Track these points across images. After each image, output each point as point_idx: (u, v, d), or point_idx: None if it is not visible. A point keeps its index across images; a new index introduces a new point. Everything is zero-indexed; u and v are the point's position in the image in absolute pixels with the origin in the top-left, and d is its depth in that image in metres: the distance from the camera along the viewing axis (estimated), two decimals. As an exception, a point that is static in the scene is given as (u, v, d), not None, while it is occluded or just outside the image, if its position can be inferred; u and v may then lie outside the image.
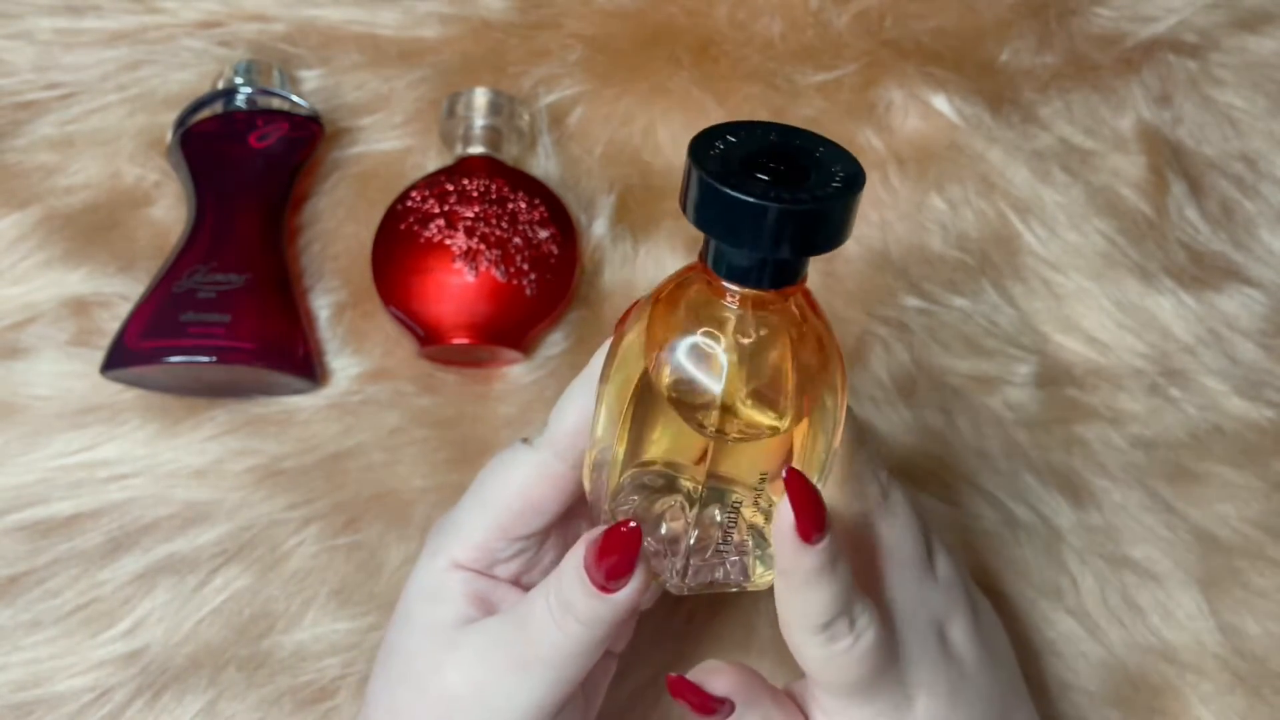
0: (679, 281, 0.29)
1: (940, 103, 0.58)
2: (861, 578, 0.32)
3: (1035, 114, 0.59)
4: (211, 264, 0.48)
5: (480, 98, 0.53)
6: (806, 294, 0.29)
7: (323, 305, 0.51)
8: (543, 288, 0.49)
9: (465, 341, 0.48)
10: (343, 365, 0.49)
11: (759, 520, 0.31)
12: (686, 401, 0.28)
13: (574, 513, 0.35)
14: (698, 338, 0.28)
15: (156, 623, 0.43)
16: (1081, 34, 0.62)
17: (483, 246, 0.49)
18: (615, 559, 0.30)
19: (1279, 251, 0.56)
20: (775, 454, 0.29)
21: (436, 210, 0.49)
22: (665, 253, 0.53)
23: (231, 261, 0.48)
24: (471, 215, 0.49)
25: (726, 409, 0.28)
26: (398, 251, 0.49)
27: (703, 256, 0.28)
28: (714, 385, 0.28)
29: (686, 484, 0.30)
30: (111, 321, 0.49)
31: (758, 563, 0.32)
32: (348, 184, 0.54)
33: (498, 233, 0.49)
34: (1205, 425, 0.50)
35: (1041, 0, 0.62)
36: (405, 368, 0.49)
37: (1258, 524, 0.48)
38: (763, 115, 0.57)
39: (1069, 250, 0.55)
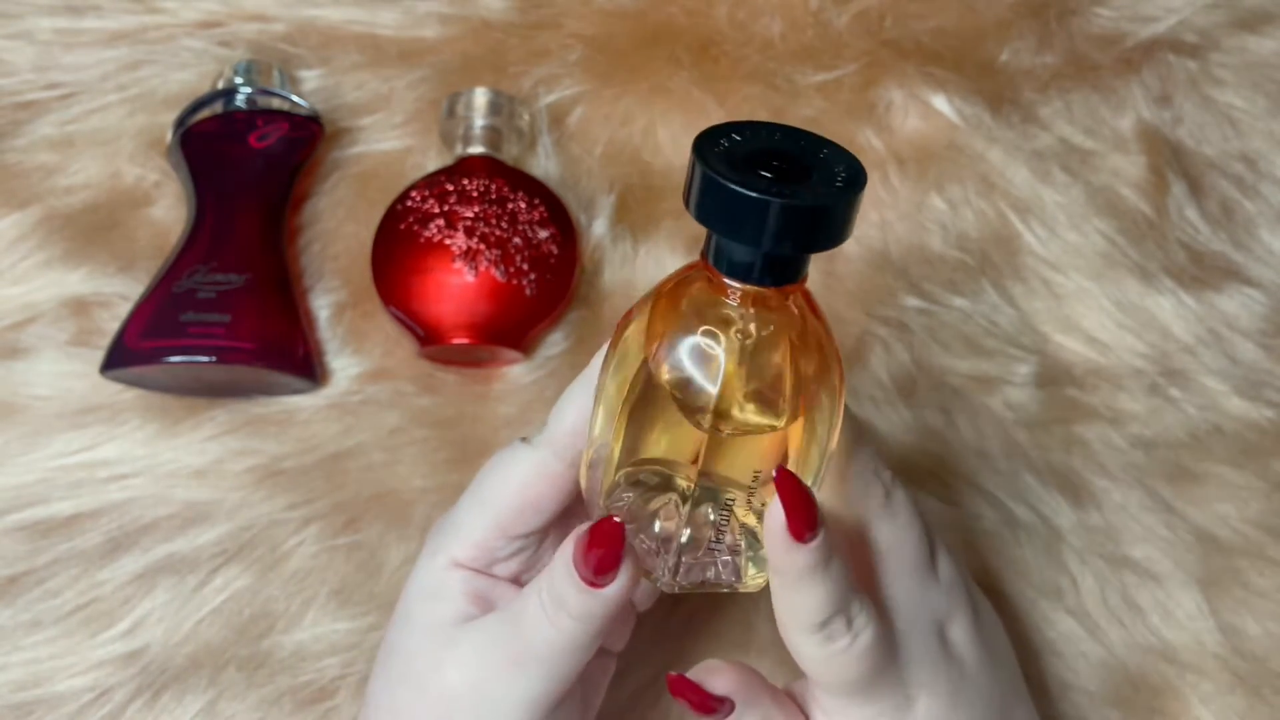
0: (680, 279, 0.29)
1: (940, 103, 0.58)
2: (863, 578, 0.32)
3: (1035, 114, 0.59)
4: (211, 264, 0.48)
5: (480, 98, 0.53)
6: (806, 294, 0.29)
7: (323, 305, 0.51)
8: (543, 288, 0.49)
9: (465, 341, 0.48)
10: (343, 365, 0.49)
11: (752, 521, 0.31)
12: (684, 396, 0.28)
13: (573, 512, 0.35)
14: (697, 333, 0.28)
15: (156, 623, 0.43)
16: (1081, 34, 0.62)
17: (483, 246, 0.49)
18: (601, 553, 0.30)
19: (1279, 251, 0.56)
20: (770, 454, 0.30)
21: (436, 210, 0.49)
22: (665, 253, 0.53)
23: (231, 261, 0.48)
24: (471, 215, 0.49)
25: (723, 405, 0.28)
26: (398, 251, 0.49)
27: (704, 253, 0.28)
28: (711, 381, 0.28)
29: (682, 482, 0.30)
30: (111, 321, 0.49)
31: (750, 564, 0.32)
32: (348, 184, 0.54)
33: (498, 233, 0.49)
34: (1205, 425, 0.50)
35: (1041, 0, 0.62)
36: (405, 368, 0.49)
37: (1258, 524, 0.48)
38: (763, 115, 0.57)
39: (1069, 250, 0.55)
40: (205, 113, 0.52)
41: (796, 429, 0.29)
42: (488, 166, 0.51)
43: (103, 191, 0.52)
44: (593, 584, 0.30)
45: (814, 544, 0.29)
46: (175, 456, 0.46)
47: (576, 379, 0.33)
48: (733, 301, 0.28)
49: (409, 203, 0.50)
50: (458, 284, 0.48)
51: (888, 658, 0.32)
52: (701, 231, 0.28)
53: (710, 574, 0.32)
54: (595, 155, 0.56)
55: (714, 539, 0.31)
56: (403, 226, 0.49)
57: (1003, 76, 0.60)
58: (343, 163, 0.55)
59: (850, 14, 0.61)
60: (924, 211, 0.55)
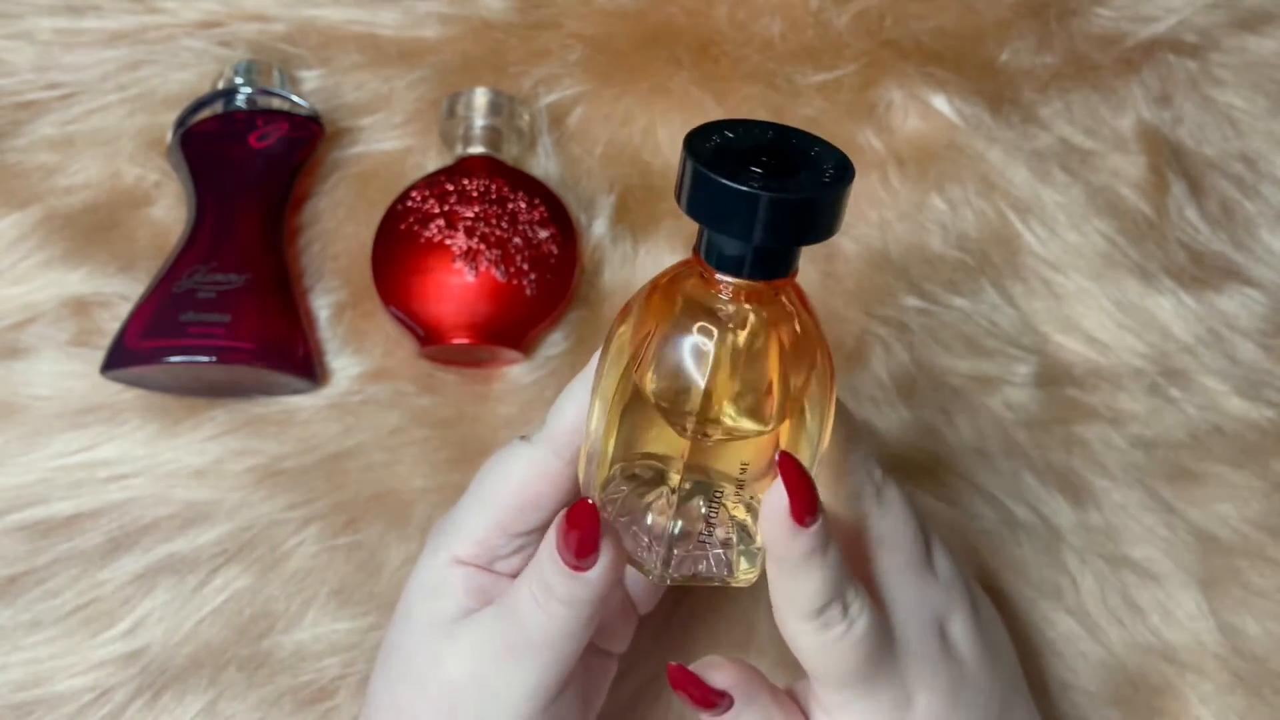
0: (673, 275, 0.30)
1: (940, 103, 0.58)
2: (859, 575, 0.32)
3: (1035, 114, 0.59)
4: (211, 264, 0.48)
5: (480, 98, 0.53)
6: (798, 289, 0.29)
7: (323, 305, 0.51)
8: (543, 288, 0.49)
9: (465, 341, 0.48)
10: (343, 365, 0.49)
11: (744, 516, 0.31)
12: (671, 394, 0.29)
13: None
14: (688, 329, 0.28)
15: (156, 623, 0.43)
16: (1081, 34, 0.62)
17: (483, 246, 0.49)
18: (579, 535, 0.30)
19: (1279, 251, 0.56)
20: (758, 447, 0.30)
21: (436, 210, 0.49)
22: (665, 253, 0.53)
23: (231, 261, 0.48)
24: (471, 215, 0.49)
25: (710, 404, 0.29)
26: (398, 251, 0.49)
27: (696, 249, 0.28)
28: (699, 378, 0.28)
29: (673, 476, 0.30)
30: (111, 321, 0.49)
31: (741, 558, 0.32)
32: (348, 184, 0.54)
33: (498, 233, 0.49)
34: (1205, 425, 0.50)
35: (1041, 0, 0.62)
36: (405, 368, 0.49)
37: (1258, 524, 0.48)
38: (762, 115, 0.57)
39: (1069, 250, 0.55)
40: (205, 113, 0.52)
41: (786, 423, 0.29)
42: (488, 166, 0.51)
43: (103, 191, 0.52)
44: (576, 568, 0.31)
45: (814, 528, 0.29)
46: (175, 456, 0.46)
47: (576, 377, 0.34)
48: (724, 296, 0.28)
49: (409, 203, 0.50)
50: (458, 284, 0.48)
51: (884, 649, 0.32)
52: (700, 231, 0.28)
53: (702, 567, 0.32)
54: (595, 155, 0.56)
55: (705, 532, 0.31)
56: (403, 226, 0.49)
57: (1003, 76, 0.60)
58: (343, 163, 0.55)
59: (850, 14, 0.61)
60: (924, 211, 0.55)
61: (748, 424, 0.29)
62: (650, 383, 0.29)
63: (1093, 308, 0.53)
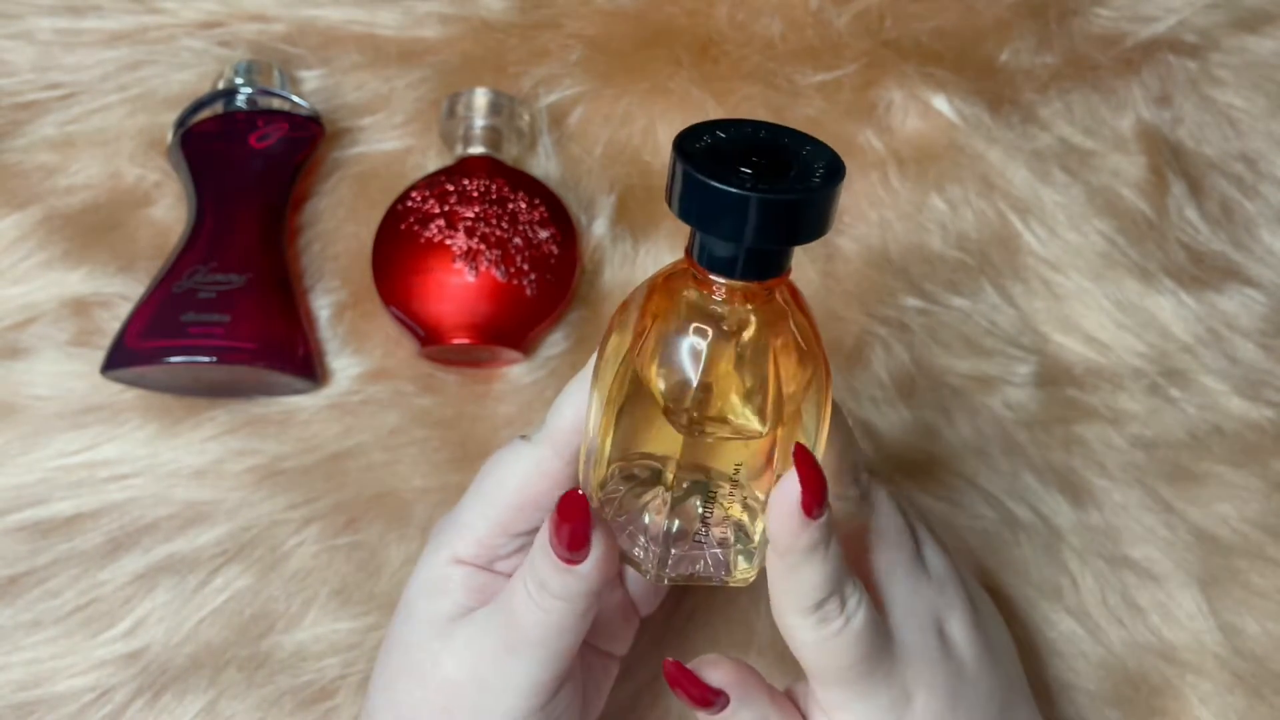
0: (667, 275, 0.30)
1: (940, 103, 0.58)
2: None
3: (1035, 114, 0.59)
4: (211, 264, 0.48)
5: (480, 98, 0.53)
6: (792, 288, 0.29)
7: (323, 305, 0.51)
8: (543, 288, 0.49)
9: (465, 341, 0.48)
10: (343, 365, 0.49)
11: (742, 516, 0.31)
12: (668, 392, 0.29)
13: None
14: (682, 329, 0.28)
15: (157, 623, 0.43)
16: (1081, 34, 0.62)
17: (483, 246, 0.49)
18: (570, 527, 0.30)
19: (1279, 251, 0.56)
20: (754, 446, 0.30)
21: (436, 210, 0.49)
22: (665, 253, 0.53)
23: (231, 261, 0.48)
24: (472, 215, 0.49)
25: (706, 402, 0.29)
26: (398, 251, 0.49)
27: (689, 250, 0.28)
28: (695, 377, 0.28)
29: (668, 475, 0.30)
30: (111, 321, 0.49)
31: (739, 557, 0.32)
32: (348, 184, 0.54)
33: (498, 233, 0.49)
34: (1205, 425, 0.50)
35: (1041, 0, 0.62)
36: (405, 368, 0.49)
37: (1258, 524, 0.48)
38: (762, 115, 0.57)
39: (1069, 250, 0.55)
40: (205, 113, 0.52)
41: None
42: (488, 166, 0.51)
43: (103, 191, 0.52)
44: (569, 561, 0.31)
45: (820, 521, 0.29)
46: (175, 456, 0.46)
47: (576, 376, 0.34)
48: (718, 297, 0.28)
49: (409, 203, 0.50)
50: (458, 284, 0.48)
51: (881, 646, 0.32)
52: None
53: (699, 567, 0.32)
54: (595, 155, 0.56)
55: (701, 531, 0.31)
56: (403, 226, 0.49)
57: (1003, 76, 0.60)
58: (343, 163, 0.55)
59: (850, 14, 0.61)
60: (924, 211, 0.55)
61: (743, 422, 0.29)
62: (648, 381, 0.29)
63: (1093, 308, 0.53)
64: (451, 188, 0.50)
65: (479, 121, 0.53)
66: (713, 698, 0.32)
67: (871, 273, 0.53)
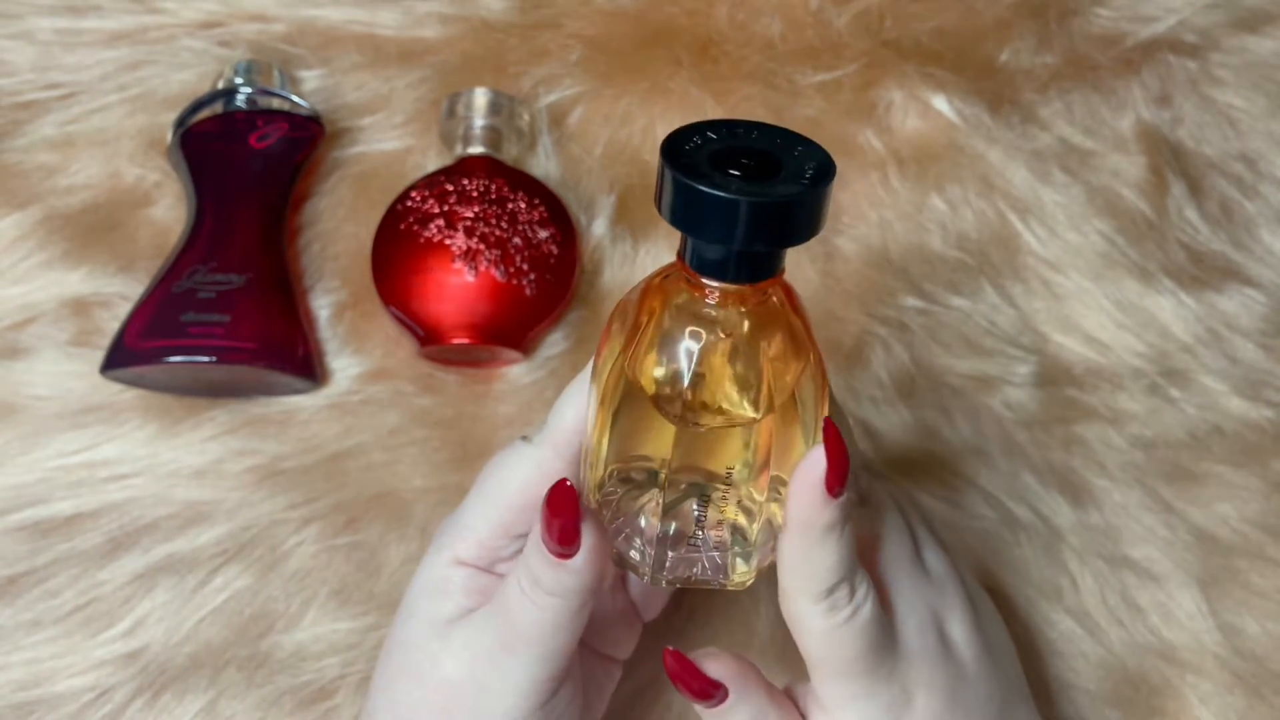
0: (661, 276, 0.30)
1: (940, 103, 0.58)
2: None
3: (1035, 114, 0.59)
4: (211, 264, 0.48)
5: (480, 98, 0.53)
6: (786, 287, 0.29)
7: (323, 305, 0.51)
8: (543, 288, 0.49)
9: (465, 341, 0.48)
10: (343, 365, 0.49)
11: (739, 518, 0.31)
12: (661, 393, 0.29)
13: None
14: (675, 332, 0.28)
15: (156, 623, 0.43)
16: (1081, 34, 0.62)
17: (482, 246, 0.49)
18: (560, 521, 0.30)
19: (1279, 251, 0.56)
20: (745, 447, 0.30)
21: (436, 210, 0.49)
22: (665, 253, 0.53)
23: (231, 261, 0.48)
24: (471, 215, 0.49)
25: (696, 399, 0.29)
26: (398, 251, 0.49)
27: (681, 254, 0.28)
28: (688, 379, 0.28)
29: (663, 476, 0.30)
30: (111, 321, 0.49)
31: (737, 560, 0.32)
32: (348, 184, 0.54)
33: (497, 233, 0.49)
34: (1205, 425, 0.50)
35: (1041, 0, 0.62)
36: (405, 368, 0.49)
37: (1258, 524, 0.48)
38: (762, 115, 0.57)
39: (1069, 250, 0.55)
40: (205, 113, 0.52)
41: (774, 421, 0.29)
42: (488, 166, 0.51)
43: (103, 191, 0.52)
44: (560, 555, 0.31)
45: (841, 500, 0.29)
46: (175, 456, 0.46)
47: (576, 377, 0.34)
48: (710, 300, 0.28)
49: (409, 203, 0.50)
50: (458, 284, 0.48)
51: (886, 642, 0.32)
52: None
53: (696, 570, 0.32)
54: (595, 155, 0.56)
55: (696, 534, 0.31)
56: (403, 226, 0.49)
57: (1003, 76, 0.60)
58: (343, 163, 0.55)
59: (850, 14, 0.61)
60: (924, 211, 0.55)
61: (736, 410, 0.29)
62: (644, 383, 0.29)
63: (1092, 308, 0.53)
64: (451, 188, 0.50)
65: (479, 121, 0.53)
66: (711, 690, 0.32)
67: (871, 273, 0.53)
